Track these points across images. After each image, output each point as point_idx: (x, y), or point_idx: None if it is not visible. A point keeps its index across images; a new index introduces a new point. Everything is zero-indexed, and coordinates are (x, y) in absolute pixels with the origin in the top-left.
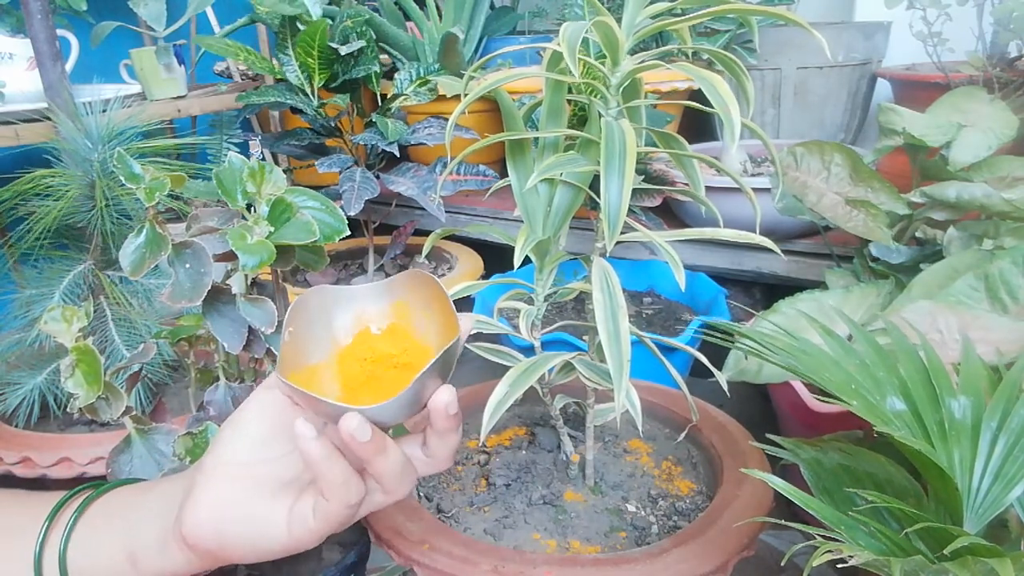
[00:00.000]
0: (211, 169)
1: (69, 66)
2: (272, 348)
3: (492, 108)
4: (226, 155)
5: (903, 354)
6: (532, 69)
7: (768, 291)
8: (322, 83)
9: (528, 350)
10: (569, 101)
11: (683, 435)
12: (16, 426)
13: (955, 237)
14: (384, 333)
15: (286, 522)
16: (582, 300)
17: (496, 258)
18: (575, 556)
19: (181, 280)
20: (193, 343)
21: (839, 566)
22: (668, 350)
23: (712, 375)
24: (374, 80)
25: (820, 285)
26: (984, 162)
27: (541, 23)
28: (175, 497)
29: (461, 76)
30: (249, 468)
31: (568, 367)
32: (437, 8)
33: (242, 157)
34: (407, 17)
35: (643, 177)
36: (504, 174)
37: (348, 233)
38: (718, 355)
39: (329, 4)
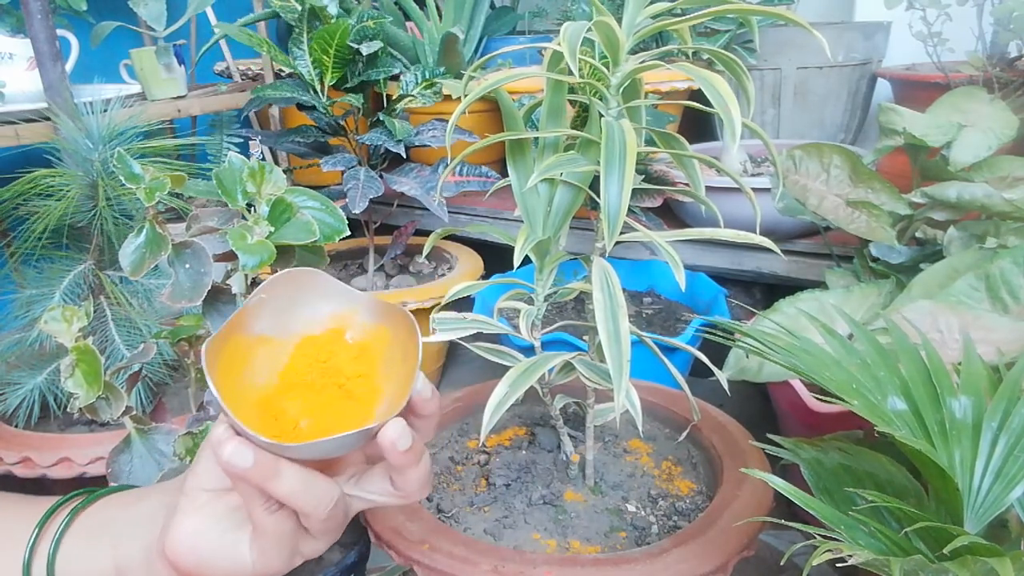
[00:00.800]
0: (211, 169)
1: (69, 66)
2: None
3: (492, 108)
4: (226, 155)
5: (904, 354)
6: (532, 69)
7: (768, 291)
8: (333, 82)
9: (528, 350)
10: (570, 101)
11: (684, 435)
12: (16, 426)
13: (955, 237)
14: (355, 346)
15: (249, 552)
16: (582, 300)
17: (496, 258)
18: (575, 556)
19: (181, 280)
20: (193, 343)
21: (839, 565)
22: (668, 350)
23: (712, 375)
24: (382, 82)
25: (820, 285)
26: (984, 162)
27: (541, 23)
28: (160, 513)
29: (461, 76)
30: (223, 495)
31: (568, 367)
32: (437, 8)
33: (242, 157)
34: (407, 17)
35: (643, 177)
36: (504, 174)
37: (348, 233)
38: (718, 356)
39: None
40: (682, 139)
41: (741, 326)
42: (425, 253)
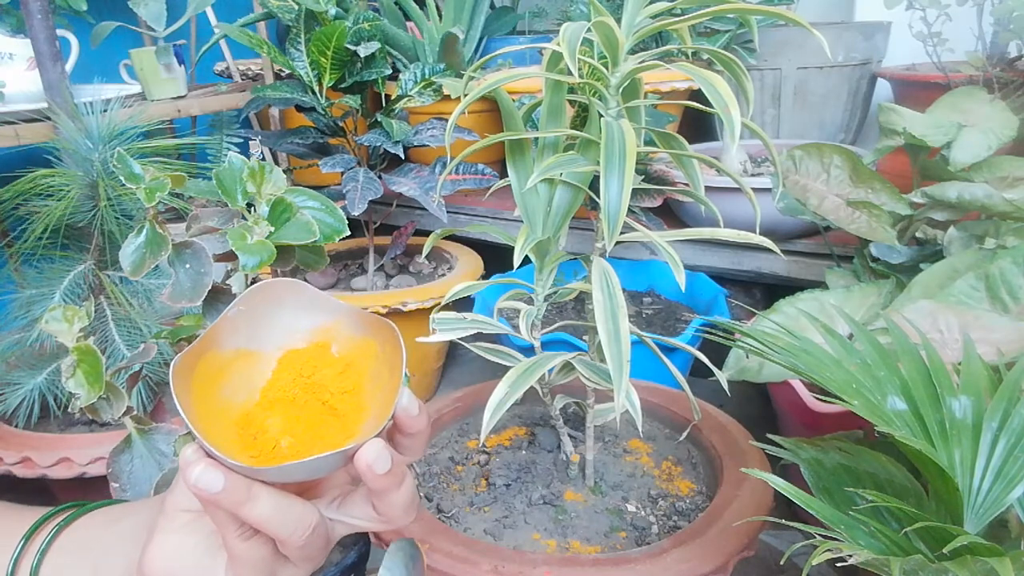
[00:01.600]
0: (211, 169)
1: (69, 66)
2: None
3: (492, 108)
4: (226, 155)
5: (904, 354)
6: (532, 69)
7: (768, 291)
8: (331, 83)
9: (528, 350)
10: (570, 101)
11: (684, 435)
12: (16, 426)
13: (955, 237)
14: (340, 360)
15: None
16: (582, 300)
17: (496, 258)
18: (575, 556)
19: (181, 280)
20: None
21: (839, 565)
22: (668, 350)
23: (712, 375)
24: (380, 81)
25: (820, 285)
26: (984, 162)
27: (541, 23)
28: (141, 533)
29: (461, 76)
30: (201, 517)
31: (568, 367)
32: (437, 8)
33: (242, 157)
34: (407, 17)
35: (643, 177)
36: (504, 174)
37: (348, 233)
38: (718, 356)
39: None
40: (682, 139)
41: (741, 326)
42: (425, 253)
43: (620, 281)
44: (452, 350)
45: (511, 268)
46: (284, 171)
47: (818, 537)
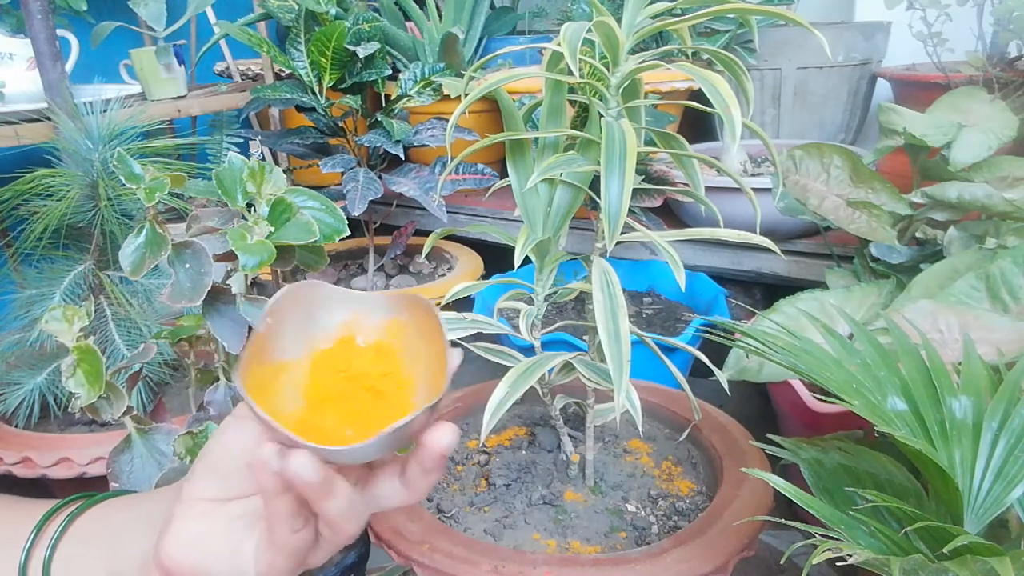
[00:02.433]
0: (211, 169)
1: (69, 66)
2: None
3: (492, 108)
4: (226, 155)
5: (904, 354)
6: (532, 69)
7: (768, 291)
8: (331, 83)
9: (528, 350)
10: (570, 101)
11: (684, 435)
12: (16, 426)
13: (956, 237)
14: (370, 348)
15: (253, 562)
16: (582, 300)
17: (496, 258)
18: (575, 556)
19: (181, 280)
20: (193, 343)
21: (839, 565)
22: (668, 350)
23: (712, 375)
24: (380, 82)
25: (820, 285)
26: (984, 162)
27: (541, 23)
28: (157, 520)
29: (461, 76)
30: (222, 505)
31: (568, 367)
32: (437, 8)
33: (242, 157)
34: (407, 17)
35: (643, 177)
36: (504, 174)
37: (348, 233)
38: (718, 356)
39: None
40: (682, 139)
41: (741, 326)
42: (425, 253)
43: (620, 281)
44: None
45: (511, 268)
46: (284, 171)
47: (818, 537)
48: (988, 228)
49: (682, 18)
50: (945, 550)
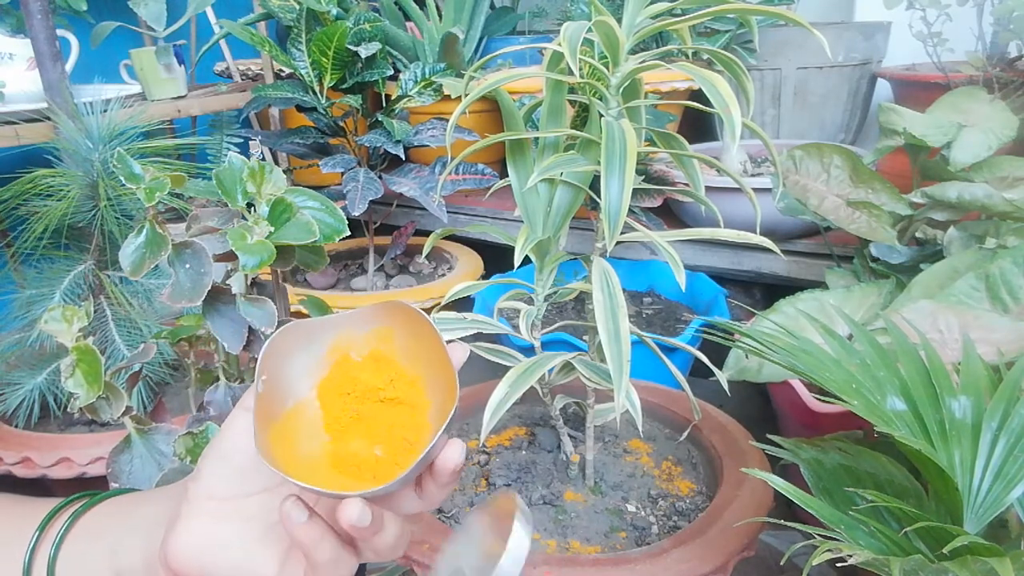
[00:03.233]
0: (211, 169)
1: (69, 66)
2: None
3: (493, 108)
4: (226, 155)
5: (904, 354)
6: (532, 69)
7: (768, 291)
8: (332, 83)
9: (528, 350)
10: (570, 101)
11: (685, 435)
12: (16, 426)
13: (955, 237)
14: (366, 360)
15: (273, 570)
16: (582, 300)
17: (496, 258)
18: (575, 556)
19: (181, 280)
20: (193, 343)
21: (839, 565)
22: (668, 350)
23: (712, 375)
24: (380, 82)
25: (820, 285)
26: (984, 162)
27: (541, 23)
28: (162, 519)
29: (461, 76)
30: (234, 504)
31: (568, 367)
32: (437, 8)
33: (242, 157)
34: (407, 17)
35: (643, 177)
36: (504, 174)
37: (348, 233)
38: (718, 356)
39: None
40: (682, 139)
41: (741, 326)
42: (425, 253)
43: (620, 281)
44: None
45: (511, 268)
46: (284, 171)
47: (818, 537)
48: (988, 228)
49: (682, 18)
50: (945, 550)
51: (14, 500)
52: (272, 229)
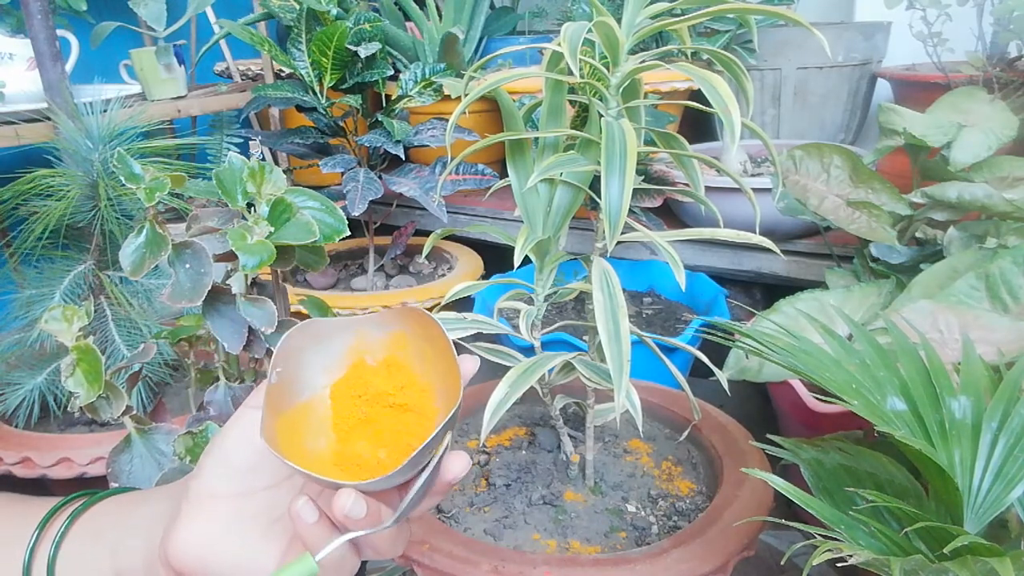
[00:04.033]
0: (211, 169)
1: (69, 66)
2: (272, 348)
3: (493, 108)
4: (226, 155)
5: (904, 354)
6: (532, 69)
7: (768, 291)
8: (332, 83)
9: (528, 350)
10: (570, 101)
11: (684, 435)
12: (16, 426)
13: (955, 237)
14: (380, 365)
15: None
16: (582, 300)
17: (496, 258)
18: (575, 556)
19: (181, 280)
20: (193, 343)
21: (839, 565)
22: (668, 350)
23: (712, 375)
24: (380, 82)
25: (820, 285)
26: (984, 162)
27: (541, 23)
28: (162, 517)
29: (461, 76)
30: (236, 501)
31: (568, 367)
32: (437, 8)
33: (242, 157)
34: (407, 17)
35: (643, 177)
36: (504, 174)
37: (348, 233)
38: (718, 356)
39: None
40: (682, 139)
41: (741, 326)
42: (425, 253)
43: (620, 281)
44: None
45: (511, 268)
46: (284, 171)
47: (818, 537)
48: (988, 228)
49: (682, 18)
50: (945, 550)
51: (14, 500)
52: (272, 229)
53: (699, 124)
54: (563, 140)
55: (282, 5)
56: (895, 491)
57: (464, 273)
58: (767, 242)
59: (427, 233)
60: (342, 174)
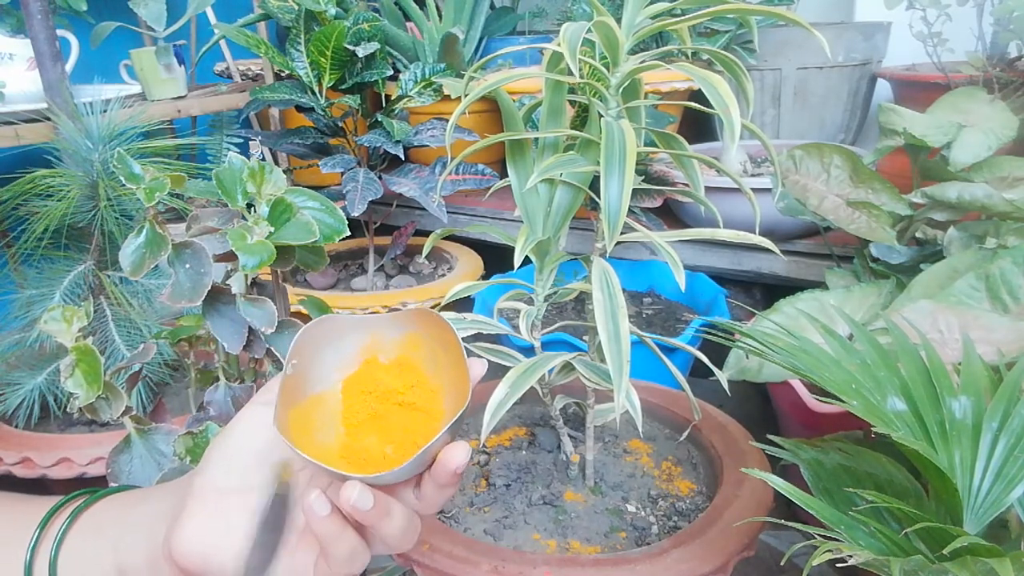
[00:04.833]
0: (211, 169)
1: (69, 66)
2: (272, 348)
3: (493, 108)
4: (226, 155)
5: (904, 354)
6: (532, 69)
7: (768, 291)
8: (331, 83)
9: (528, 350)
10: (570, 101)
11: (685, 435)
12: (16, 426)
13: (955, 237)
14: (392, 364)
15: (284, 566)
16: (582, 300)
17: (496, 258)
18: (575, 556)
19: (181, 280)
20: (193, 343)
21: (839, 566)
22: (668, 350)
23: (712, 375)
24: (380, 82)
25: (820, 285)
26: (984, 162)
27: (541, 23)
28: (165, 514)
29: (461, 77)
30: (241, 496)
31: (568, 367)
32: (437, 8)
33: (242, 157)
34: (407, 17)
35: (643, 177)
36: (504, 174)
37: (348, 233)
38: (718, 356)
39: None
40: (682, 139)
41: (741, 326)
42: (425, 253)
43: (620, 281)
44: None
45: (511, 268)
46: (284, 171)
47: (818, 537)
48: (988, 228)
49: (682, 18)
50: (945, 551)
51: (14, 499)
52: (272, 229)
53: (699, 124)
54: (563, 140)
55: (280, 6)
56: (895, 491)
57: (464, 273)
58: (767, 242)
59: (427, 233)
60: (342, 174)
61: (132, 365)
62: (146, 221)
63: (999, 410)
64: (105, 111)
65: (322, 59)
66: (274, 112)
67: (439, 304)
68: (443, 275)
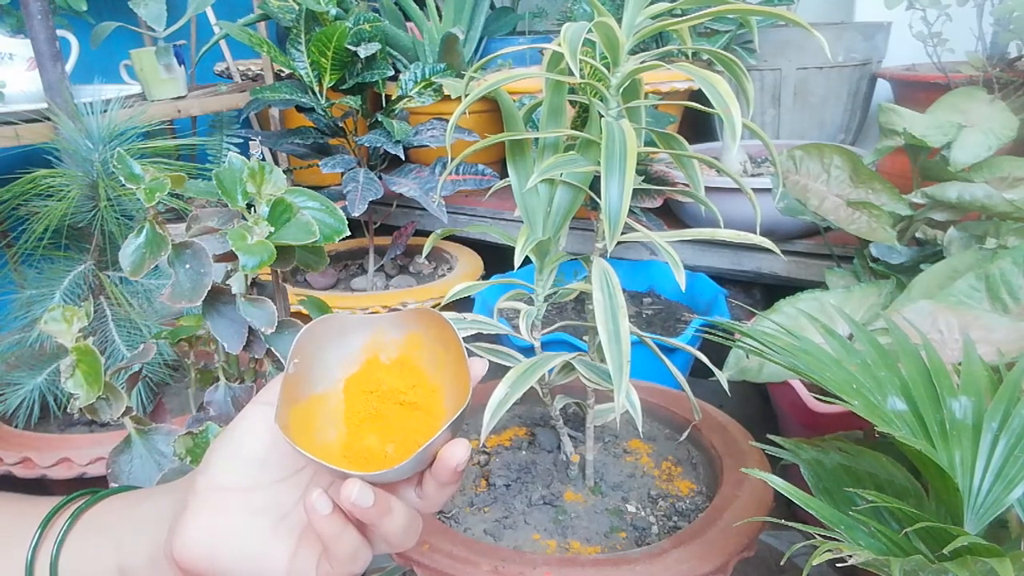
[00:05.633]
0: (211, 169)
1: (69, 66)
2: (272, 349)
3: (493, 108)
4: (226, 155)
5: (904, 354)
6: (532, 69)
7: (768, 291)
8: (332, 83)
9: (528, 350)
10: (570, 102)
11: (685, 435)
12: (16, 426)
13: (955, 237)
14: (393, 364)
15: (286, 568)
16: (582, 300)
17: (496, 258)
18: (575, 556)
19: (181, 280)
20: (193, 343)
21: (839, 566)
22: (668, 350)
23: (712, 375)
24: (380, 82)
25: (820, 285)
26: (984, 162)
27: (541, 23)
28: (167, 514)
29: (461, 77)
30: (245, 495)
31: (568, 367)
32: (437, 8)
33: (242, 157)
34: (407, 17)
35: (643, 178)
36: (504, 174)
37: (348, 233)
38: (718, 356)
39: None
40: (682, 139)
41: (741, 326)
42: (425, 253)
43: (620, 281)
44: None
45: (511, 268)
46: (284, 171)
47: (818, 537)
48: (988, 228)
49: (682, 19)
50: (945, 551)
51: (14, 499)
52: (272, 229)
53: (699, 124)
54: (563, 140)
55: (281, 6)
56: (895, 491)
57: (464, 273)
58: (767, 242)
59: (427, 233)
60: (342, 174)
61: (132, 365)
62: (146, 221)
63: (999, 410)
64: (105, 111)
65: (323, 59)
66: (274, 112)
67: (439, 304)
68: (443, 275)
